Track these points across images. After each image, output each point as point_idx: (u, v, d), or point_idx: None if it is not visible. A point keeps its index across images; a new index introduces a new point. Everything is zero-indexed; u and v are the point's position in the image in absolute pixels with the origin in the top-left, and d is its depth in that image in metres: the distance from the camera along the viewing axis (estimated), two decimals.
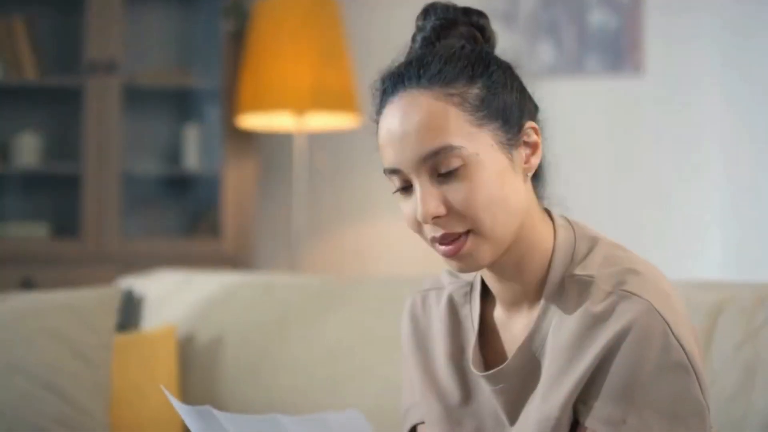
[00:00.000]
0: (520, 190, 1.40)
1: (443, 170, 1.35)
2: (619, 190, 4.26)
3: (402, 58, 1.45)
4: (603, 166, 4.27)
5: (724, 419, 1.80)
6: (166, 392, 1.49)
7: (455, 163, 1.34)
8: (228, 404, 2.50)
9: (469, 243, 1.36)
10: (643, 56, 4.24)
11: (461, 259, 1.38)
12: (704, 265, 4.06)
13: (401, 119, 1.37)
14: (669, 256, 3.99)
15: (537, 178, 1.46)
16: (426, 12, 1.47)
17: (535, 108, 1.46)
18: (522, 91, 1.44)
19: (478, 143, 1.36)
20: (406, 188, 1.39)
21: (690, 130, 4.18)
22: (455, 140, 1.34)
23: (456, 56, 1.40)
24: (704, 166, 4.14)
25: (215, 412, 1.49)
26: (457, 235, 1.36)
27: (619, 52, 4.28)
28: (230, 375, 2.54)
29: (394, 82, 1.41)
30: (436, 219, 1.36)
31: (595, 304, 1.36)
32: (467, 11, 1.46)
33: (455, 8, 1.46)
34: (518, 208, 1.39)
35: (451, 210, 1.36)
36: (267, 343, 2.55)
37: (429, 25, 1.45)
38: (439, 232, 1.37)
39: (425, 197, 1.35)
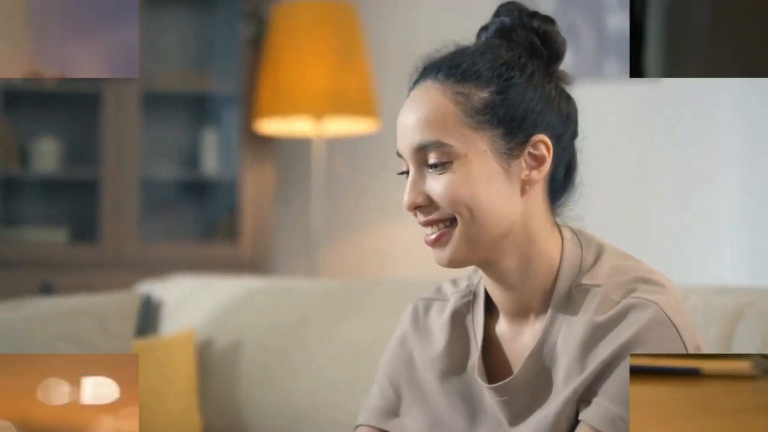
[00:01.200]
0: (511, 200, 1.40)
1: (431, 163, 1.39)
2: (637, 196, 4.24)
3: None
4: (622, 172, 4.24)
5: None
6: None
7: (442, 158, 1.38)
8: (246, 408, 2.50)
9: (447, 236, 1.39)
10: None
11: (440, 247, 1.41)
12: (721, 271, 4.04)
13: (410, 108, 1.42)
14: (686, 262, 3.98)
15: (558, 194, 1.46)
16: (498, 11, 1.47)
17: (563, 124, 1.43)
18: (548, 104, 1.42)
19: (469, 145, 1.38)
20: (408, 173, 1.43)
21: (706, 136, 4.16)
22: (446, 138, 1.38)
23: (483, 57, 1.41)
24: (721, 171, 4.12)
25: None
26: (437, 221, 1.40)
27: None
28: (248, 379, 2.54)
29: (424, 71, 1.44)
30: (419, 207, 1.40)
31: (603, 313, 1.36)
32: (532, 15, 1.45)
33: (521, 10, 1.46)
34: (504, 214, 1.39)
35: (432, 201, 1.39)
36: (285, 346, 2.55)
37: (494, 26, 1.46)
38: (423, 218, 1.41)
39: (410, 186, 1.41)
